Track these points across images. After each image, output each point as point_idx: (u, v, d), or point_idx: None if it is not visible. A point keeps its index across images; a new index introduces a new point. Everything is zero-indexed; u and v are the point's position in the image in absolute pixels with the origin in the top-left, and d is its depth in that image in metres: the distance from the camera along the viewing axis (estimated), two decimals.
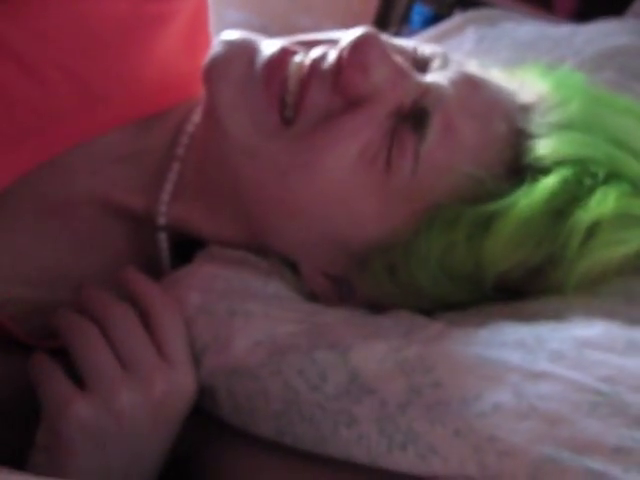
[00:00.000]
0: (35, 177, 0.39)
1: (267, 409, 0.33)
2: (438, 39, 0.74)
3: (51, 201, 0.40)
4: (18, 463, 0.33)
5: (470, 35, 0.69)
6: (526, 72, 0.42)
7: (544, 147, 0.35)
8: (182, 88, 0.44)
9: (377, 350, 0.32)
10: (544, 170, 0.35)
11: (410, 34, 1.13)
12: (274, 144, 0.36)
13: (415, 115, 0.36)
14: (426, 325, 0.34)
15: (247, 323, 0.35)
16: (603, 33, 0.64)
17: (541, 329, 0.32)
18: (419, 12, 1.91)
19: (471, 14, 0.75)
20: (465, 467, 0.28)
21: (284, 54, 0.37)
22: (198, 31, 0.46)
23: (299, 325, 0.35)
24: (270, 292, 0.38)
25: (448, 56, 0.39)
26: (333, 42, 0.38)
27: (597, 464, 0.26)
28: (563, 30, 0.67)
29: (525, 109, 0.38)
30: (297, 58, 0.37)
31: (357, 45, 0.35)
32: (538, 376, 0.29)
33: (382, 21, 1.96)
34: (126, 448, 0.33)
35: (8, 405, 0.36)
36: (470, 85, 0.37)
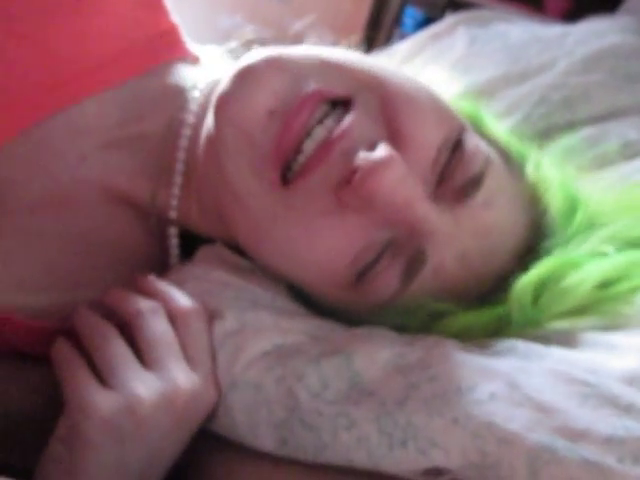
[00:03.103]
0: (18, 164, 0.38)
1: (269, 419, 0.33)
2: (430, 41, 0.73)
3: (42, 193, 0.39)
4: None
5: (461, 37, 0.69)
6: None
7: None
8: (148, 53, 0.43)
9: (381, 356, 0.33)
10: None
11: (402, 37, 1.14)
12: (266, 200, 0.35)
13: (412, 256, 0.35)
14: (425, 336, 0.35)
15: (257, 334, 0.35)
16: (595, 33, 0.64)
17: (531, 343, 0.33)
18: (411, 15, 1.91)
19: (462, 15, 0.74)
20: (467, 456, 0.28)
21: (311, 104, 0.34)
22: None
23: (307, 336, 0.36)
24: (278, 305, 0.38)
25: (481, 181, 0.36)
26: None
27: (591, 453, 0.26)
28: (554, 31, 0.67)
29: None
30: (323, 124, 0.35)
31: (373, 170, 0.33)
32: (529, 371, 0.30)
33: (374, 24, 1.96)
34: (144, 447, 0.33)
35: (11, 419, 0.36)
36: (480, 236, 0.36)
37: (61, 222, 0.40)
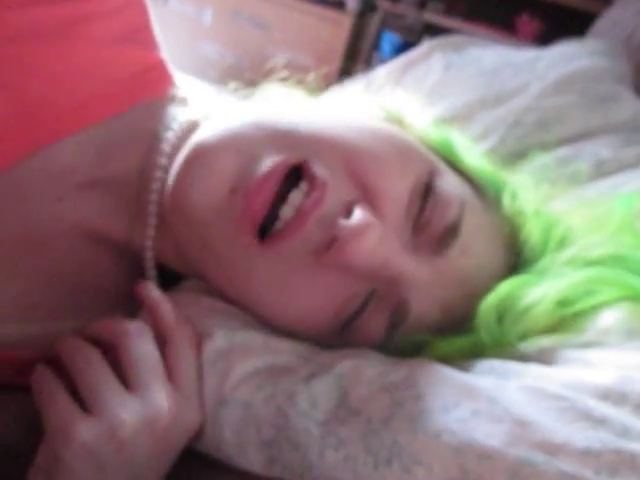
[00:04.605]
0: None
1: (258, 437, 0.33)
2: (407, 67, 0.75)
3: (19, 231, 0.39)
4: None
5: (437, 63, 0.71)
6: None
7: None
8: (127, 91, 0.43)
9: (367, 374, 0.34)
10: None
11: (381, 61, 1.17)
12: (244, 258, 0.36)
13: (395, 307, 0.36)
14: (410, 358, 0.36)
15: (247, 353, 0.36)
16: (564, 56, 0.66)
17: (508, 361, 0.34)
18: (388, 40, 1.97)
19: (437, 42, 0.77)
20: (449, 473, 0.29)
21: (271, 184, 0.34)
22: (139, 29, 0.45)
23: (297, 357, 0.36)
24: (268, 329, 0.38)
25: (458, 229, 0.37)
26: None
27: (570, 467, 0.27)
28: (526, 55, 0.69)
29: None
30: (299, 188, 0.35)
31: (352, 238, 0.33)
32: (508, 388, 0.31)
33: (353, 51, 2.01)
34: (125, 472, 0.32)
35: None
36: (461, 283, 0.37)
37: (38, 259, 0.40)
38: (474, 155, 0.44)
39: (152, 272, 0.42)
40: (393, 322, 0.37)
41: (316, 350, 0.38)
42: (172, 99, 0.45)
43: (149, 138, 0.42)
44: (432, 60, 0.73)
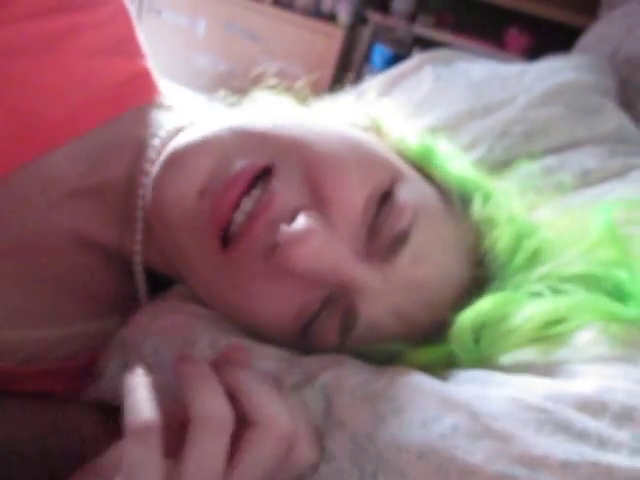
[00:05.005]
0: None
1: None
2: (398, 80, 0.77)
3: (14, 239, 0.40)
4: None
5: (427, 75, 0.73)
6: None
7: None
8: (115, 100, 0.44)
9: (349, 383, 0.34)
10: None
11: (372, 73, 1.18)
12: (210, 263, 0.37)
13: (345, 312, 0.36)
14: (390, 366, 0.36)
15: None
16: (551, 70, 0.68)
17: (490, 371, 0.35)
18: (379, 52, 2.00)
19: (427, 55, 0.78)
20: None
21: (238, 185, 0.35)
22: (125, 40, 0.46)
23: (280, 362, 0.36)
24: (246, 333, 0.38)
25: (407, 237, 0.37)
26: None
27: (549, 479, 0.27)
28: (514, 69, 0.71)
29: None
30: (250, 196, 0.36)
31: (291, 244, 0.34)
32: (488, 398, 0.31)
33: (344, 62, 2.03)
34: None
35: (25, 448, 0.35)
36: (412, 291, 0.37)
37: (32, 265, 0.41)
38: (455, 163, 0.44)
39: (141, 276, 0.42)
40: (343, 327, 0.37)
41: (296, 355, 0.38)
42: (159, 106, 0.46)
43: (136, 145, 0.43)
44: (422, 73, 0.75)
